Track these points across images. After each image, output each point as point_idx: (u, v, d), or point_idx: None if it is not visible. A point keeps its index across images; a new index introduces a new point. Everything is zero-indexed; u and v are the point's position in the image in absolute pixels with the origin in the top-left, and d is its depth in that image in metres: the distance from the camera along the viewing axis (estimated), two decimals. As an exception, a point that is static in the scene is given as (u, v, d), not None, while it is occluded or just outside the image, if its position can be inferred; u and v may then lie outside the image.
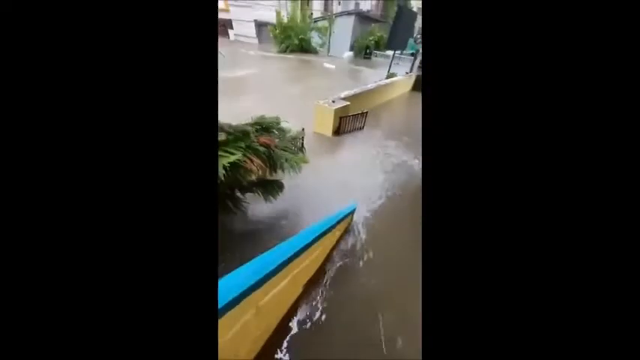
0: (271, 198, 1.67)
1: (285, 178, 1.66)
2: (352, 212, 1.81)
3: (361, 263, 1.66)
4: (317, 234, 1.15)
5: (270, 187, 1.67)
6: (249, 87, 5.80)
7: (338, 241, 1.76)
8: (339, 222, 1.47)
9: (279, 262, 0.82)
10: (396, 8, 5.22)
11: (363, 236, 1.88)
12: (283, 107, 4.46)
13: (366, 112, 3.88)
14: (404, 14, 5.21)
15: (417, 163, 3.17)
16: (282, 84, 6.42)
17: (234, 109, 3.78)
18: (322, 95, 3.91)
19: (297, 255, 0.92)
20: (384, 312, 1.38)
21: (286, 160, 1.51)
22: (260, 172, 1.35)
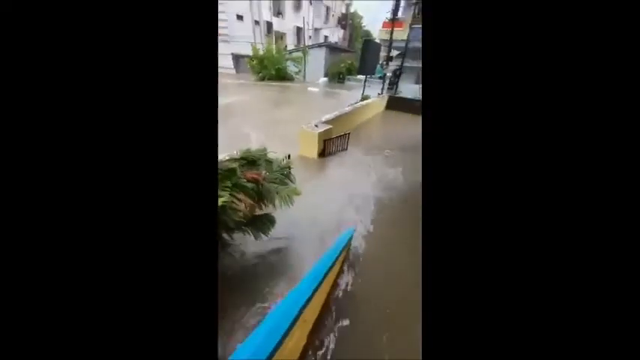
0: (262, 235, 1.55)
1: (277, 210, 1.56)
2: (350, 238, 1.74)
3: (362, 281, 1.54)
4: (324, 273, 1.05)
5: (260, 224, 1.54)
6: (240, 113, 5.88)
7: (340, 272, 1.66)
8: (341, 253, 1.39)
9: (294, 316, 0.74)
10: (362, 40, 5.94)
11: (362, 252, 1.79)
12: (281, 130, 4.50)
13: (349, 134, 4.02)
14: (370, 45, 5.88)
15: (400, 171, 3.39)
16: (274, 108, 6.68)
17: (232, 135, 3.80)
18: (315, 115, 4.04)
19: (308, 302, 0.84)
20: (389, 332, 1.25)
21: (277, 192, 1.44)
22: (249, 211, 1.25)
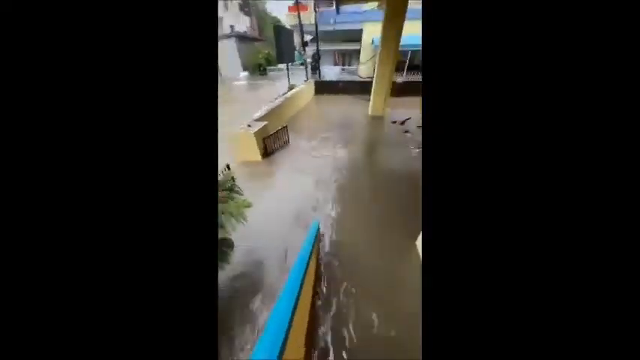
0: (225, 265, 1.34)
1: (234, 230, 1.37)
2: (318, 230, 1.74)
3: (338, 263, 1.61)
4: (303, 273, 1.02)
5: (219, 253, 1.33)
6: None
7: (317, 265, 1.65)
8: (313, 247, 1.37)
9: (292, 310, 0.74)
10: (272, 27, 5.63)
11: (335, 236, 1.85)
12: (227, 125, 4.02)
13: (286, 126, 3.89)
14: (282, 32, 5.67)
15: (346, 152, 3.54)
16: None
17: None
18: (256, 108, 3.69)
19: (298, 299, 0.84)
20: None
21: (228, 212, 1.24)
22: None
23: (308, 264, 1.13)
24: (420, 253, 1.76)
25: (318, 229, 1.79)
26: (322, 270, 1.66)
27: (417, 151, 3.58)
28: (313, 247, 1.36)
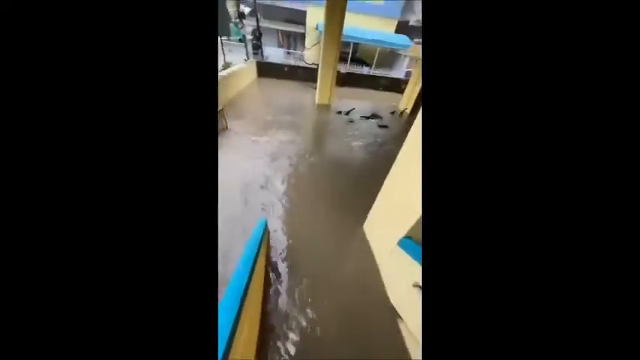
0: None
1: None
2: (266, 227, 1.58)
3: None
4: (251, 268, 0.96)
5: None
6: None
7: (267, 264, 1.52)
8: (260, 245, 1.24)
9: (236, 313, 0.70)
10: None
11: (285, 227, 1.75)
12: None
13: (222, 109, 3.36)
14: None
15: (300, 138, 3.43)
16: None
17: None
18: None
19: (244, 298, 0.81)
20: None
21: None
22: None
23: (255, 264, 1.03)
24: (368, 238, 1.87)
25: (266, 225, 1.63)
26: (271, 271, 1.54)
27: (361, 143, 3.79)
28: (261, 244, 1.24)
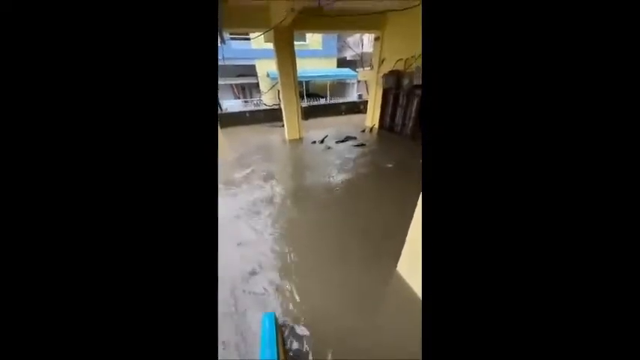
0: None
1: None
2: (276, 321, 1.09)
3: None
4: None
5: None
6: None
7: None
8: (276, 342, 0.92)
9: None
10: None
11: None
12: None
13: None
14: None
15: (285, 175, 3.03)
16: None
17: None
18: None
19: None
20: None
21: None
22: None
23: None
24: (407, 279, 1.49)
25: (276, 321, 1.14)
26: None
27: (350, 164, 3.63)
28: (276, 341, 0.95)
